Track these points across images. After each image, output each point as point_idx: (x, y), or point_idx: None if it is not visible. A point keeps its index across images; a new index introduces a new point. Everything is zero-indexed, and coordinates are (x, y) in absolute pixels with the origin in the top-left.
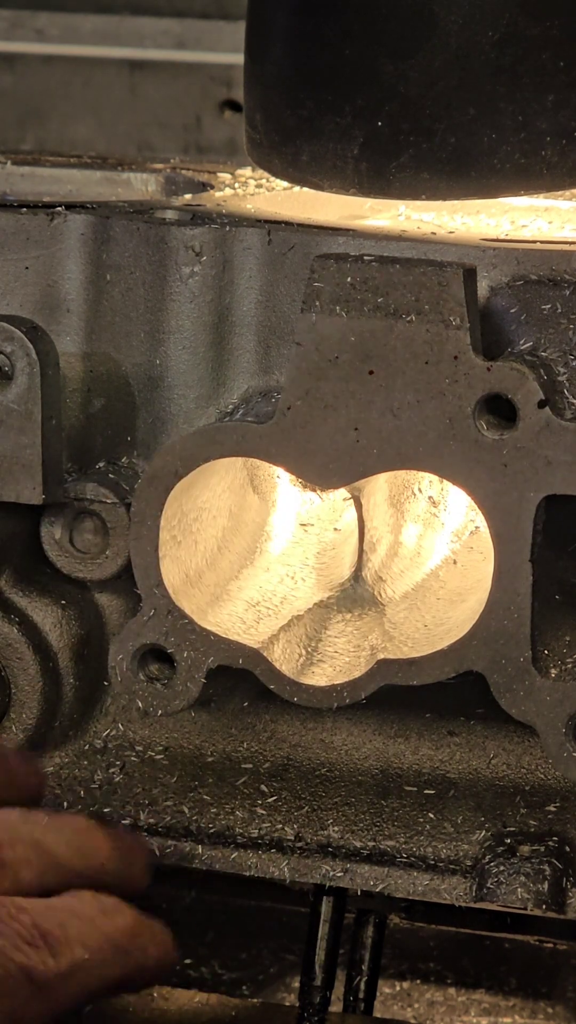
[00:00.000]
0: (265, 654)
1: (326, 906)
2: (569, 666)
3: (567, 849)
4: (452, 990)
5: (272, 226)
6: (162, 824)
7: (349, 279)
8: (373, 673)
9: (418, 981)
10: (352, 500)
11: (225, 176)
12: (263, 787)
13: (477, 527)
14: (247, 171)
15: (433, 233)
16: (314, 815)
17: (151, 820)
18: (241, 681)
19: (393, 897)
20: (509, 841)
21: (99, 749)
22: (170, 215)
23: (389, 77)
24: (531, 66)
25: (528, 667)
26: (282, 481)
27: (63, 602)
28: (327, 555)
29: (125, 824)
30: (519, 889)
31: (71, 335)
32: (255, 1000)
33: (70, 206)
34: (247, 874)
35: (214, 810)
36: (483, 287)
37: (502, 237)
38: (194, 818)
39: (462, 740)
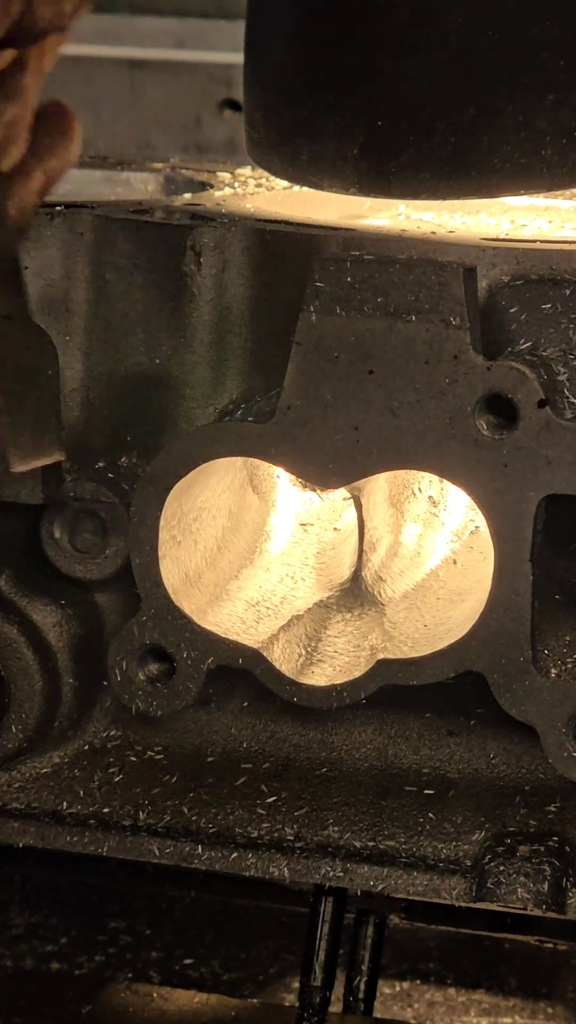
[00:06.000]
0: (265, 654)
1: (326, 906)
2: (569, 666)
3: (567, 849)
4: (452, 990)
5: (272, 226)
6: (162, 824)
7: (349, 279)
8: (373, 673)
9: (418, 981)
10: (352, 500)
11: (225, 175)
12: (263, 787)
13: (477, 527)
14: (247, 170)
15: (433, 233)
16: (314, 815)
17: (151, 820)
18: (241, 681)
19: (393, 897)
20: (509, 841)
21: (99, 749)
22: (170, 215)
23: (389, 77)
24: (531, 66)
25: (528, 667)
26: (282, 481)
27: (63, 602)
28: (327, 555)
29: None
30: (519, 889)
31: (71, 335)
32: (255, 1000)
33: (70, 205)
34: (247, 874)
35: (214, 810)
36: (483, 286)
37: (502, 237)
38: (194, 818)
39: (462, 740)
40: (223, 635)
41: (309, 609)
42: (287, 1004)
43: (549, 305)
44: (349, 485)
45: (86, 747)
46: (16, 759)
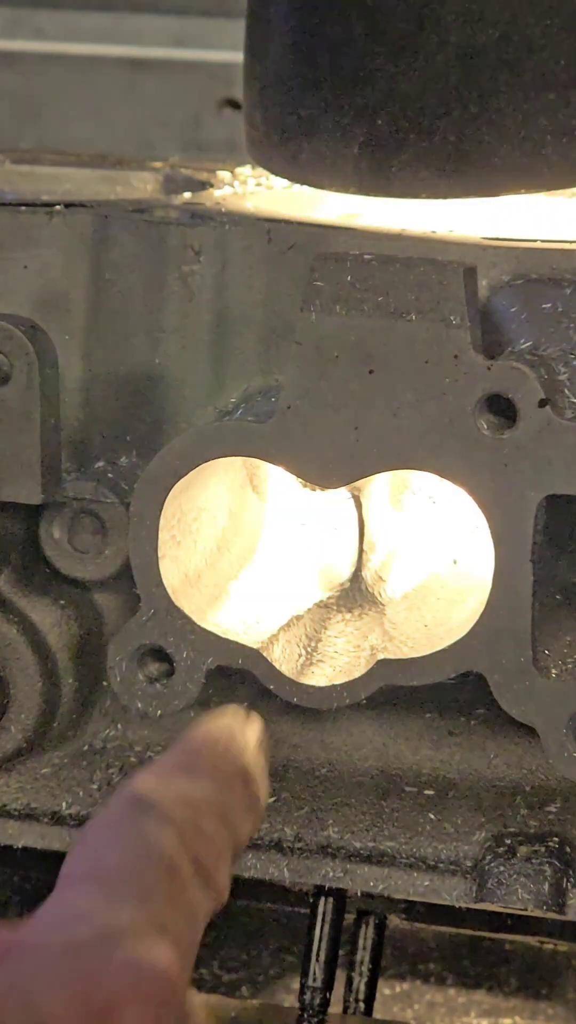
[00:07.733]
0: (265, 654)
1: (326, 907)
2: (569, 666)
3: (567, 850)
4: (452, 991)
5: (272, 225)
6: None
7: (349, 278)
8: (373, 673)
9: (418, 982)
10: (352, 500)
11: (224, 174)
12: None
13: (477, 527)
14: (247, 170)
15: (433, 232)
16: (314, 815)
17: None
18: (241, 681)
19: (393, 898)
20: (509, 842)
21: (98, 750)
22: (169, 214)
23: (389, 75)
24: (531, 64)
25: (528, 667)
26: (282, 481)
27: (62, 602)
28: (327, 555)
29: None
30: (519, 890)
31: (70, 335)
32: (255, 1001)
33: (69, 205)
34: (247, 874)
35: None
36: (483, 286)
37: (502, 237)
38: None
39: (462, 740)
40: (223, 635)
41: (309, 609)
42: (287, 1005)
43: (549, 305)
44: (349, 485)
45: (86, 747)
46: (16, 759)
